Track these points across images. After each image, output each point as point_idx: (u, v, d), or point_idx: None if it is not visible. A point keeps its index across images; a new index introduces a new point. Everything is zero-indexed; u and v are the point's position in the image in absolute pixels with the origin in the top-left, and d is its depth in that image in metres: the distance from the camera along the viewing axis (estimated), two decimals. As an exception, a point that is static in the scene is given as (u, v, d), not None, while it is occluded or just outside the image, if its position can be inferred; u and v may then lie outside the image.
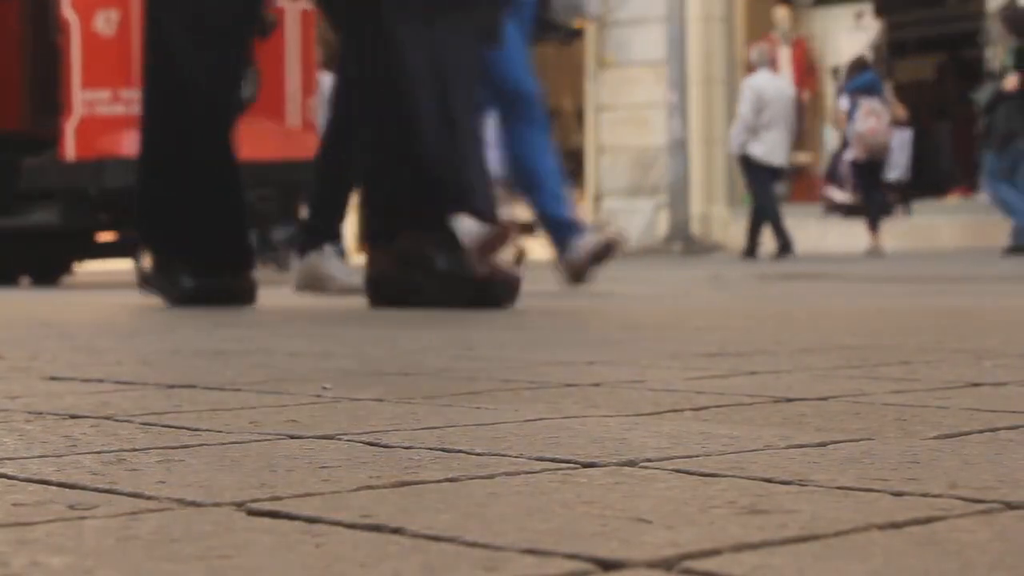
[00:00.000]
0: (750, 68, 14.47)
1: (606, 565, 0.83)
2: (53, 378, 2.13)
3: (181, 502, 1.06)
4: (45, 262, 10.43)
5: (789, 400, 1.72)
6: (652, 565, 0.83)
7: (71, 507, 1.04)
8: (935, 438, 1.38)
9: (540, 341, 2.88)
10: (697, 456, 1.27)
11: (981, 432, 1.42)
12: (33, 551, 0.88)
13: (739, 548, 0.87)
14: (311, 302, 5.09)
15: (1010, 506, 1.01)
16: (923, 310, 4.02)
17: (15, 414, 1.66)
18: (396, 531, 0.93)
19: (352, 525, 0.96)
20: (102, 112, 9.21)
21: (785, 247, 13.05)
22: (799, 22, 16.89)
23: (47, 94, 9.70)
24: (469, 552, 0.87)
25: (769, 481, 1.12)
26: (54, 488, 1.13)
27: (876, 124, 13.23)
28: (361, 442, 1.38)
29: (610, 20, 17.27)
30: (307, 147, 9.31)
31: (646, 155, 17.40)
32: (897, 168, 14.45)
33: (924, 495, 1.05)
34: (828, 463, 1.22)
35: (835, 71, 13.93)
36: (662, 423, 1.51)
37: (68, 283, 10.22)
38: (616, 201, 17.45)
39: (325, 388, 1.92)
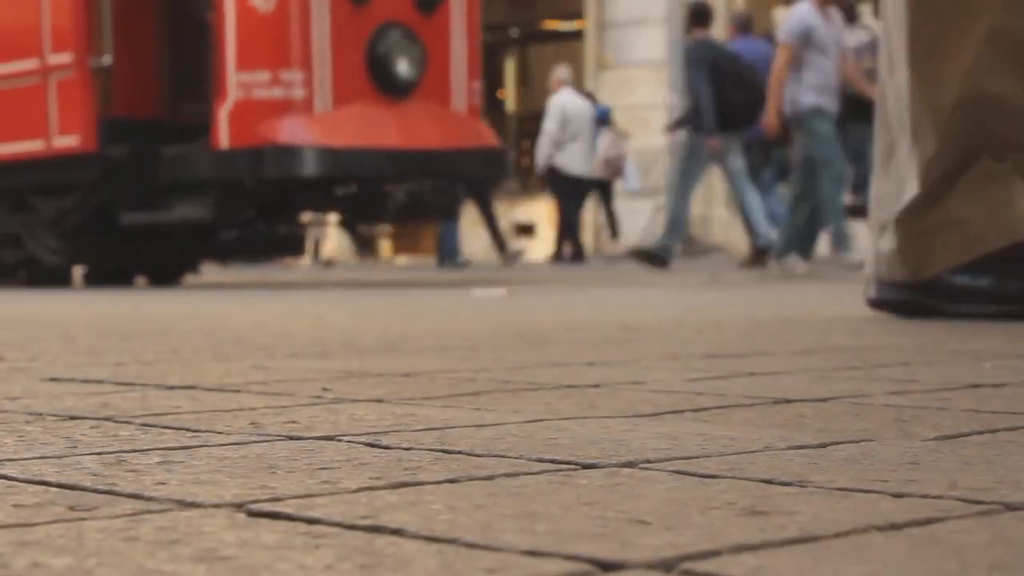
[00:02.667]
0: (556, 87, 15.36)
1: (606, 566, 0.83)
2: (53, 379, 2.13)
3: (181, 503, 1.06)
4: (167, 261, 9.53)
5: (789, 401, 1.72)
6: (651, 566, 0.83)
7: (71, 508, 1.04)
8: (935, 439, 1.38)
9: (539, 343, 2.88)
10: (697, 457, 1.27)
11: (980, 433, 1.42)
12: (34, 552, 0.89)
13: (739, 549, 0.87)
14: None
15: (1009, 507, 1.01)
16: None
17: (15, 415, 1.66)
18: (396, 532, 0.94)
19: (352, 526, 0.96)
20: (260, 96, 8.27)
21: (579, 255, 13.92)
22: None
23: (191, 77, 8.88)
24: (469, 553, 0.87)
25: (769, 482, 1.12)
26: (54, 489, 1.13)
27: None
28: (361, 443, 1.38)
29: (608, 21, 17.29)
30: (473, 134, 8.74)
31: (646, 156, 17.40)
32: None
33: (924, 496, 1.06)
34: (827, 464, 1.22)
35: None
36: (662, 424, 1.51)
37: (189, 284, 9.49)
38: (616, 202, 17.46)
39: (325, 389, 1.92)
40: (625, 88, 17.79)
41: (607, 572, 0.82)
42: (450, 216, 10.46)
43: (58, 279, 9.20)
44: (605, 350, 2.59)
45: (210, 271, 11.14)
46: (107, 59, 8.78)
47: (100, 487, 1.13)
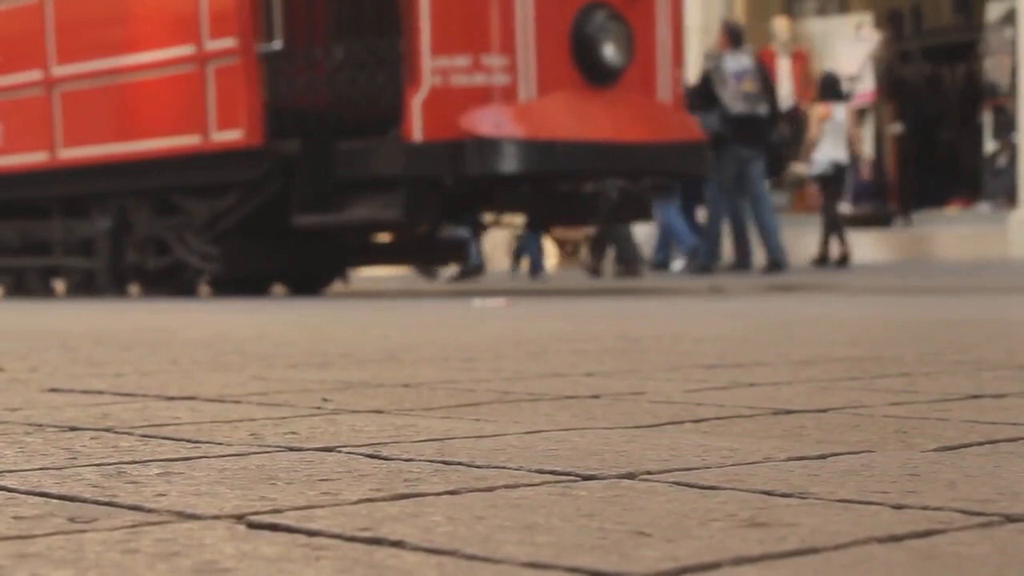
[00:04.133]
0: None
1: (606, 578, 0.83)
2: (53, 390, 2.13)
3: (181, 515, 1.06)
4: (314, 267, 8.51)
5: (789, 412, 1.72)
6: (652, 578, 0.83)
7: (71, 520, 1.04)
8: (935, 450, 1.38)
9: (539, 353, 2.88)
10: (697, 469, 1.27)
11: (981, 444, 1.42)
12: (34, 565, 0.88)
13: (739, 561, 0.87)
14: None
15: (1010, 519, 1.01)
16: (922, 321, 4.02)
17: (15, 426, 1.66)
18: (396, 544, 0.94)
19: (352, 538, 0.96)
20: (458, 83, 7.25)
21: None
22: (798, 33, 16.89)
23: (368, 63, 7.99)
24: (469, 565, 0.87)
25: (769, 494, 1.12)
26: (55, 501, 1.13)
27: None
28: (361, 454, 1.38)
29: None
30: (680, 127, 7.85)
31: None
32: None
33: (924, 508, 1.05)
34: (828, 475, 1.22)
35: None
36: (662, 435, 1.51)
37: (336, 293, 8.75)
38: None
39: (325, 400, 1.92)
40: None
41: (607, 584, 0.82)
42: (648, 217, 8.89)
43: (194, 287, 8.28)
44: (604, 360, 2.59)
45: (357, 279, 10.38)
46: (277, 44, 7.70)
47: (100, 499, 1.13)
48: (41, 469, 1.31)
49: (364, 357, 2.76)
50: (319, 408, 1.82)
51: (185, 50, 7.99)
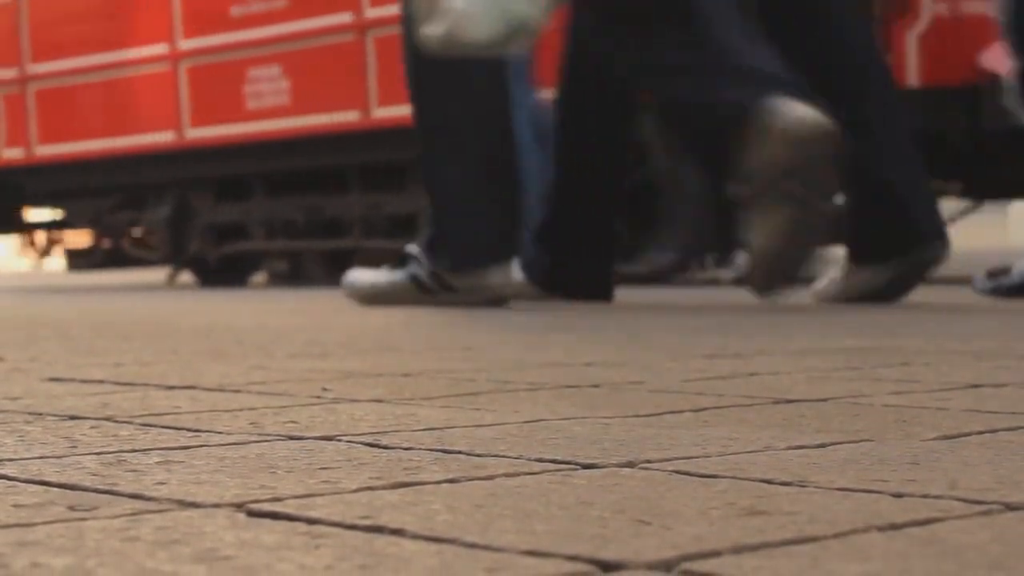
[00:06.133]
0: None
1: (606, 566, 0.83)
2: (53, 379, 2.13)
3: (181, 503, 1.06)
4: None
5: (789, 401, 1.72)
6: (652, 567, 0.83)
7: (71, 508, 1.04)
8: (935, 439, 1.38)
9: (538, 342, 2.88)
10: (696, 457, 1.27)
11: (981, 433, 1.42)
12: (34, 552, 0.89)
13: (739, 549, 0.87)
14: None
15: (1010, 507, 1.01)
16: (917, 311, 4.02)
17: (15, 415, 1.66)
18: (396, 532, 0.94)
19: (352, 526, 0.96)
20: (972, 11, 5.63)
21: None
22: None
23: None
24: (469, 553, 0.87)
25: (768, 482, 1.12)
26: (54, 489, 1.13)
27: None
28: (361, 443, 1.38)
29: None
30: None
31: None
32: None
33: (924, 496, 1.06)
34: (828, 464, 1.22)
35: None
36: (661, 424, 1.51)
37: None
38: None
39: (325, 389, 1.92)
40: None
41: (607, 572, 0.82)
42: None
43: None
44: (604, 349, 2.59)
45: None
46: None
47: (100, 487, 1.14)
48: (41, 457, 1.31)
49: (363, 347, 2.76)
50: (319, 397, 1.82)
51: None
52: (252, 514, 1.01)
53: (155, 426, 1.54)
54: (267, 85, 8.12)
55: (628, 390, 1.88)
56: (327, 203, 8.21)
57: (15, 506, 1.06)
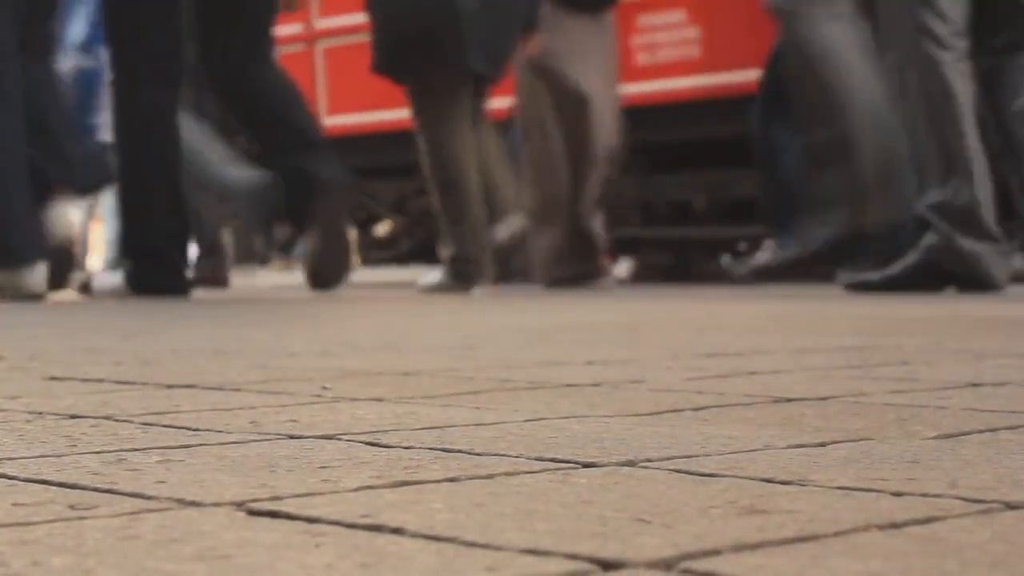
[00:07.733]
0: None
1: (606, 565, 0.83)
2: (53, 378, 2.13)
3: (181, 502, 1.06)
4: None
5: (789, 400, 1.72)
6: (652, 565, 0.83)
7: (71, 507, 1.04)
8: (935, 438, 1.38)
9: (537, 340, 2.88)
10: (696, 456, 1.27)
11: (981, 432, 1.42)
12: (33, 551, 0.89)
13: (739, 548, 0.87)
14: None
15: (1010, 506, 1.01)
16: (922, 310, 4.02)
17: (15, 414, 1.66)
18: (396, 531, 0.94)
19: (352, 525, 0.96)
20: None
21: None
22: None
23: None
24: (469, 552, 0.87)
25: (768, 481, 1.12)
26: (54, 488, 1.13)
27: None
28: (361, 442, 1.38)
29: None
30: None
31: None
32: None
33: (924, 495, 1.06)
34: (828, 463, 1.22)
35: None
36: (661, 423, 1.51)
37: None
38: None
39: (325, 388, 1.92)
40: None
41: (607, 571, 0.82)
42: None
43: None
44: (604, 348, 2.59)
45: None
46: None
47: (100, 486, 1.13)
48: (41, 456, 1.31)
49: (363, 345, 2.76)
50: (319, 396, 1.82)
51: None
52: (252, 513, 1.01)
53: (155, 425, 1.54)
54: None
55: (628, 389, 1.88)
56: None
57: (15, 505, 1.06)
